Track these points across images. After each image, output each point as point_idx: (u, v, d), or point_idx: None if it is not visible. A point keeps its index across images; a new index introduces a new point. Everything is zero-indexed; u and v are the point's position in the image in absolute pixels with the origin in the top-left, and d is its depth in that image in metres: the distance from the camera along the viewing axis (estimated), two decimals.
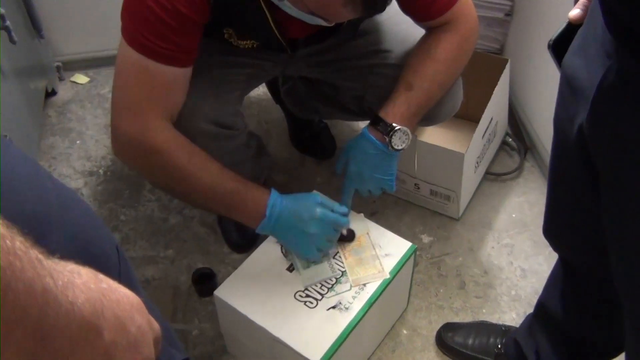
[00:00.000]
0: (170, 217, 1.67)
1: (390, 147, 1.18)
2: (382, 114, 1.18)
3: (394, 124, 1.17)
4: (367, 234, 1.30)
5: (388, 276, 1.22)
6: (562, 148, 0.88)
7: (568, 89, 0.81)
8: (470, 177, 1.62)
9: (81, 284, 0.47)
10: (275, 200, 1.13)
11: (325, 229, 1.17)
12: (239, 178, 1.13)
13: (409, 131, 1.18)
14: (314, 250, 1.19)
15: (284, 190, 1.52)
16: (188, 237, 1.63)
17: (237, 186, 1.11)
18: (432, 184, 1.60)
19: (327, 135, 1.82)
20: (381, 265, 1.24)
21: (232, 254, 1.58)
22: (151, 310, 0.56)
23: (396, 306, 1.41)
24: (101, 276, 0.51)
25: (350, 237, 1.27)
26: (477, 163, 1.64)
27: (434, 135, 1.71)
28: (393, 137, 1.17)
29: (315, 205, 1.16)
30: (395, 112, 1.18)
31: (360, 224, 1.31)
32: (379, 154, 1.20)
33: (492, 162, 1.79)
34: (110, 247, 0.69)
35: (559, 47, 0.84)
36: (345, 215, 1.20)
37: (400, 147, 1.19)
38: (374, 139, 1.19)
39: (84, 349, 0.46)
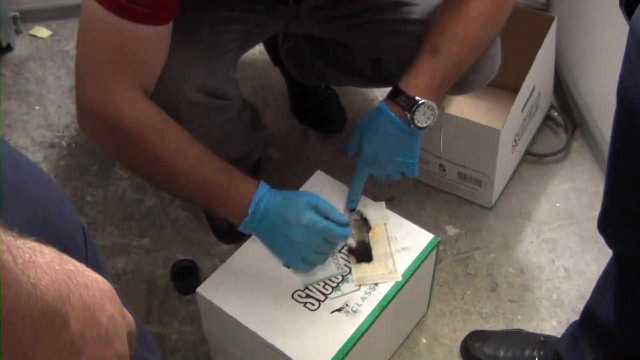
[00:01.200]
0: (145, 198, 1.67)
1: (412, 125, 1.18)
2: (402, 85, 1.18)
3: (416, 97, 1.16)
4: (385, 225, 1.30)
5: (400, 279, 1.22)
6: (629, 123, 0.87)
7: (639, 50, 0.80)
8: (506, 158, 1.61)
9: (44, 263, 0.47)
10: (263, 196, 1.13)
11: (311, 238, 1.14)
12: (223, 165, 1.12)
13: (434, 105, 1.17)
14: (298, 261, 1.18)
15: (283, 169, 1.51)
16: (166, 223, 1.63)
17: (218, 176, 1.11)
18: (461, 166, 1.60)
19: (335, 104, 1.82)
20: (394, 264, 1.24)
21: (220, 244, 1.59)
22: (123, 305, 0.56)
23: (414, 310, 1.41)
24: (66, 257, 0.50)
25: (364, 255, 1.25)
26: (515, 141, 1.64)
27: (465, 107, 1.71)
28: (416, 113, 1.16)
29: (306, 208, 1.13)
30: (418, 83, 1.17)
31: (379, 213, 1.31)
32: (399, 133, 1.19)
33: (533, 140, 1.78)
34: (75, 228, 0.69)
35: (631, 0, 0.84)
36: (345, 225, 1.17)
37: (424, 125, 1.18)
38: (393, 115, 1.18)
39: (47, 340, 0.46)
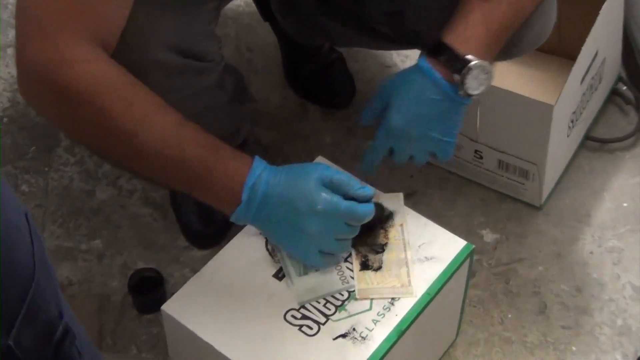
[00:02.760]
0: (97, 189, 1.66)
1: (461, 91, 1.20)
2: (448, 39, 1.19)
3: (468, 57, 1.17)
4: (401, 226, 1.30)
5: (414, 295, 1.22)
6: None
7: None
8: (560, 143, 1.61)
9: None
10: (260, 176, 1.13)
11: (332, 225, 1.15)
12: (207, 139, 1.12)
13: (490, 67, 1.19)
14: (315, 254, 1.19)
15: (274, 155, 1.49)
16: (124, 221, 1.62)
17: (202, 152, 1.11)
18: (502, 152, 1.60)
19: (341, 71, 1.82)
20: (408, 275, 1.24)
21: (192, 249, 1.58)
22: (73, 324, 0.54)
23: (439, 337, 1.41)
24: None
25: (372, 261, 1.26)
26: (573, 122, 1.63)
27: (508, 77, 1.69)
28: (468, 76, 1.18)
29: (319, 187, 1.14)
30: (469, 36, 1.18)
31: (397, 211, 1.31)
32: (442, 100, 1.21)
33: (596, 121, 1.78)
34: (16, 216, 0.69)
35: None
36: (369, 199, 1.18)
37: (475, 92, 1.20)
38: (439, 76, 1.19)
39: None
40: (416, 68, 1.21)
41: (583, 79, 1.59)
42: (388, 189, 1.36)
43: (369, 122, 1.27)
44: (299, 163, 1.19)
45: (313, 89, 1.81)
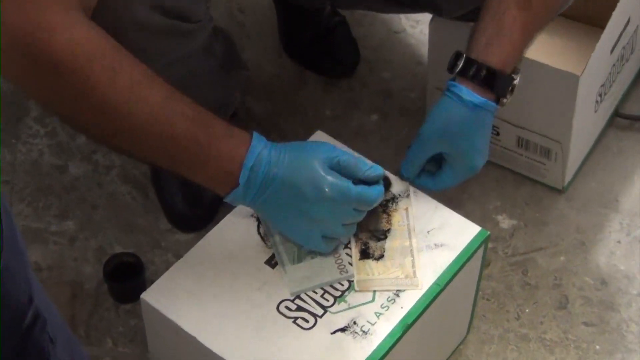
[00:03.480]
0: (70, 164, 1.66)
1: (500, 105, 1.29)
2: (492, 60, 1.24)
3: (513, 75, 1.26)
4: (406, 210, 1.30)
5: (420, 287, 1.23)
6: None
7: None
8: (587, 120, 1.60)
9: None
10: (260, 156, 1.13)
11: (340, 211, 1.17)
12: (200, 113, 1.12)
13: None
14: (318, 239, 1.19)
15: (269, 129, 1.48)
16: (100, 200, 1.62)
17: (194, 127, 1.10)
18: (522, 128, 1.60)
19: (344, 37, 1.81)
20: (413, 266, 1.24)
21: (175, 232, 1.59)
22: (45, 309, 0.54)
23: (449, 333, 1.41)
24: None
25: (373, 249, 1.27)
26: (601, 96, 1.62)
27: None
28: (509, 94, 1.28)
29: (326, 170, 1.15)
30: (513, 53, 1.26)
31: (401, 194, 1.31)
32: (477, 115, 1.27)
33: (626, 96, 1.78)
34: None
35: None
36: (378, 180, 1.20)
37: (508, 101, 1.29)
38: (479, 97, 1.25)
39: None
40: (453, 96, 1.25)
41: (613, 48, 1.58)
42: (394, 168, 1.35)
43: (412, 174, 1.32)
44: (300, 141, 1.20)
45: (312, 56, 1.80)
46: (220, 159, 1.12)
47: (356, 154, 1.23)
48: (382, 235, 1.27)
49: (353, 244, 1.26)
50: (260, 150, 1.13)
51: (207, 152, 1.11)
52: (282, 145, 1.16)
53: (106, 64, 1.06)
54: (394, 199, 1.30)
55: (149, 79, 1.09)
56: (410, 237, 1.27)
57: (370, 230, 1.28)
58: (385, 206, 1.30)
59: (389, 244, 1.26)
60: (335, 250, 1.25)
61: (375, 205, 1.21)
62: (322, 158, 1.15)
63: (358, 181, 1.17)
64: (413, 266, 1.24)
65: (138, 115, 1.08)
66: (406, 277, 1.23)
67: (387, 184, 1.29)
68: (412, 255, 1.25)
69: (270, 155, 1.13)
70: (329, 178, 1.14)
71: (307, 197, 1.14)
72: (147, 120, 1.08)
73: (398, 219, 1.29)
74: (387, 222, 1.29)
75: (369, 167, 1.18)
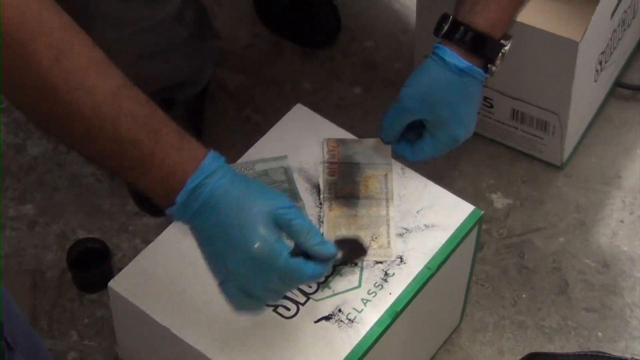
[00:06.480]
0: (28, 143, 1.67)
1: (488, 74, 1.29)
2: (479, 22, 1.24)
3: (503, 42, 1.27)
4: (385, 176, 1.31)
5: (394, 258, 1.23)
6: None
7: None
8: (586, 90, 1.61)
9: None
10: (208, 179, 1.09)
11: (264, 275, 1.10)
12: (151, 114, 1.08)
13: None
14: (235, 291, 1.12)
15: (243, 103, 1.45)
16: (61, 181, 1.62)
17: (138, 130, 1.07)
18: (517, 99, 1.60)
19: (324, 4, 1.82)
20: (388, 236, 1.25)
21: (143, 216, 1.59)
22: (8, 314, 0.50)
23: (441, 321, 1.42)
24: None
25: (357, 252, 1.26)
26: (601, 64, 1.63)
27: (525, 9, 1.67)
28: (498, 60, 1.28)
29: (265, 225, 1.09)
30: (501, 15, 1.26)
31: (380, 158, 1.33)
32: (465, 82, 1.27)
33: (628, 64, 1.79)
34: None
35: None
36: (325, 258, 1.13)
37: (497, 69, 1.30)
38: (464, 62, 1.25)
39: None
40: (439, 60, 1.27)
41: (614, 12, 1.58)
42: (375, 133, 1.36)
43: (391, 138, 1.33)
44: (263, 183, 1.21)
45: (290, 24, 1.81)
46: (161, 171, 1.08)
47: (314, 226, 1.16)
48: (357, 200, 1.29)
49: (326, 211, 1.27)
50: (210, 174, 1.09)
51: (150, 160, 1.08)
52: (240, 177, 1.12)
53: (52, 42, 1.04)
54: (371, 164, 1.32)
55: (99, 67, 1.06)
56: (387, 206, 1.28)
57: (344, 197, 1.28)
58: (362, 173, 1.31)
59: (364, 211, 1.27)
60: (258, 310, 1.17)
61: (308, 283, 1.20)
62: (272, 210, 1.10)
63: (302, 250, 1.12)
64: (388, 236, 1.25)
65: (78, 105, 1.05)
66: (379, 247, 1.24)
67: (360, 251, 1.25)
68: (388, 224, 1.26)
69: (219, 183, 1.09)
70: (263, 234, 1.08)
71: (233, 244, 1.10)
72: (87, 113, 1.05)
73: (376, 185, 1.30)
74: (365, 189, 1.30)
75: (318, 242, 1.12)
